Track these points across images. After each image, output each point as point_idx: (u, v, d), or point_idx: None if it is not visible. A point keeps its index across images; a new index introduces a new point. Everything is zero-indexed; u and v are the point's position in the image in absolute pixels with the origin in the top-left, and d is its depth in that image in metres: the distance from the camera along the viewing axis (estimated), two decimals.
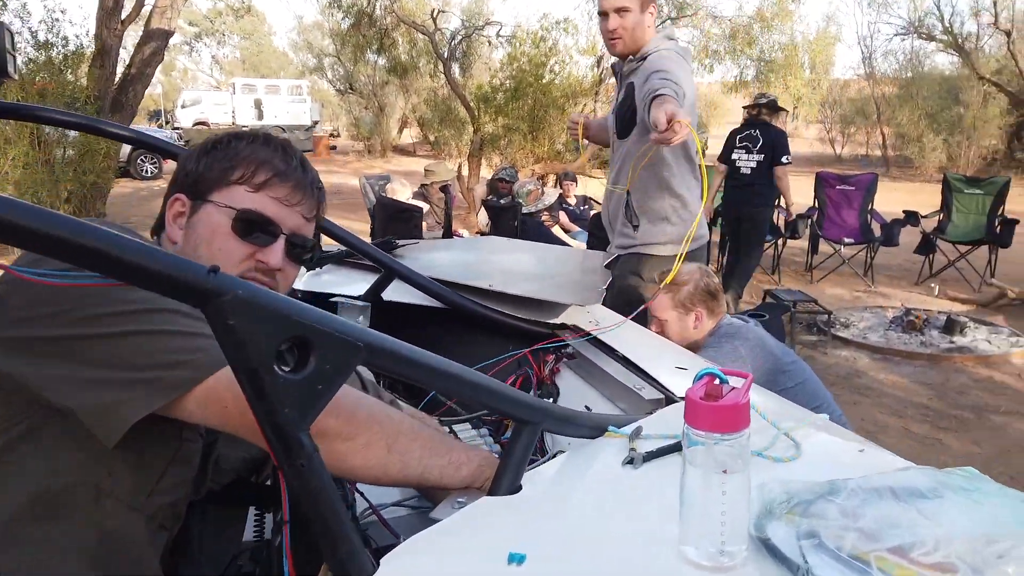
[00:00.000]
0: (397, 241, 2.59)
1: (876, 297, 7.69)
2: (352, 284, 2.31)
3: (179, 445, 1.08)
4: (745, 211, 6.62)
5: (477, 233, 6.94)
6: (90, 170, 8.84)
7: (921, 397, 5.01)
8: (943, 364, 5.64)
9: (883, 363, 5.69)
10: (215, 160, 1.18)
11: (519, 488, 1.07)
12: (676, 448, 1.20)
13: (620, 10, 2.75)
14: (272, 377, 0.77)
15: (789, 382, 2.50)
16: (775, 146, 6.44)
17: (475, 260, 2.48)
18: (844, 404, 4.81)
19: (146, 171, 16.30)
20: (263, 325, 0.76)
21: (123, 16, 9.62)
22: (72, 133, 9.26)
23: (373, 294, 2.20)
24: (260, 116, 29.90)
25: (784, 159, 6.46)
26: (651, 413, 1.54)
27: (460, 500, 1.08)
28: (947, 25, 19.10)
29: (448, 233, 6.62)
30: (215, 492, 1.32)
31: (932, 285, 8.03)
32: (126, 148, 15.68)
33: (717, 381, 0.91)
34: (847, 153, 24.13)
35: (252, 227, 1.16)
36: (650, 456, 1.18)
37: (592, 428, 1.26)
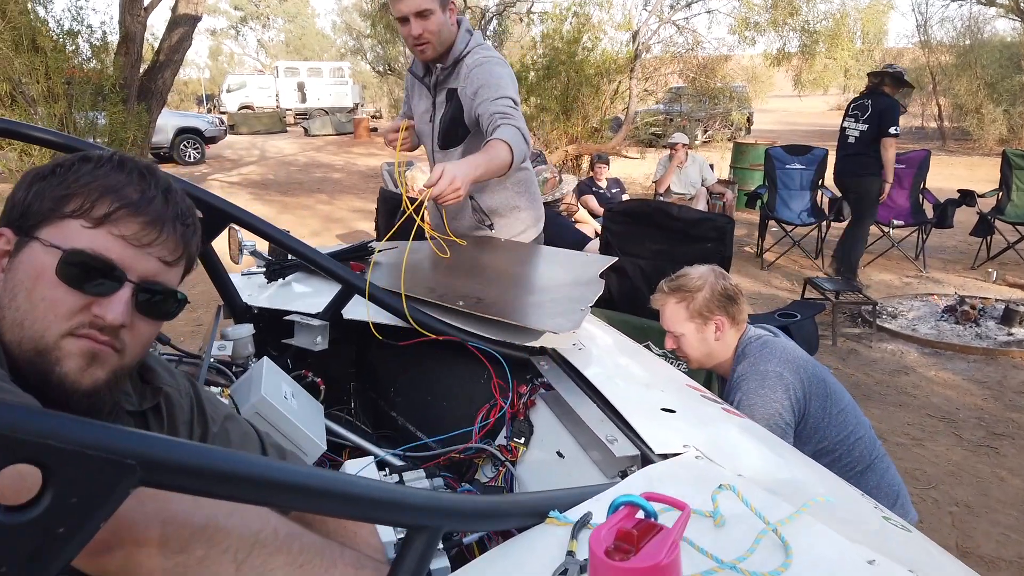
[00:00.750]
0: (372, 245, 2.35)
1: (927, 283, 7.20)
2: (321, 296, 2.07)
3: None
4: (850, 181, 6.59)
5: None
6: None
7: (975, 397, 4.60)
8: (1000, 359, 5.19)
9: (933, 358, 5.26)
10: (49, 187, 0.94)
11: None
12: None
13: (422, 14, 2.43)
14: None
15: (834, 408, 2.17)
16: (882, 116, 6.29)
17: (454, 269, 2.23)
18: (888, 406, 4.44)
19: (189, 156, 16.38)
20: None
21: (146, 3, 9.52)
22: (101, 120, 9.26)
23: (332, 312, 1.96)
24: (303, 99, 29.97)
25: (892, 130, 6.29)
26: (618, 476, 1.27)
27: None
28: None
29: None
30: None
31: (989, 270, 7.49)
32: (170, 134, 15.79)
33: (641, 514, 0.64)
34: (901, 125, 23.03)
35: (85, 273, 0.92)
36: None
37: (523, 516, 1.00)
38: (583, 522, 1.00)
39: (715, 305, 2.26)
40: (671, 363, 3.32)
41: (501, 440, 1.71)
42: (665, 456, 1.26)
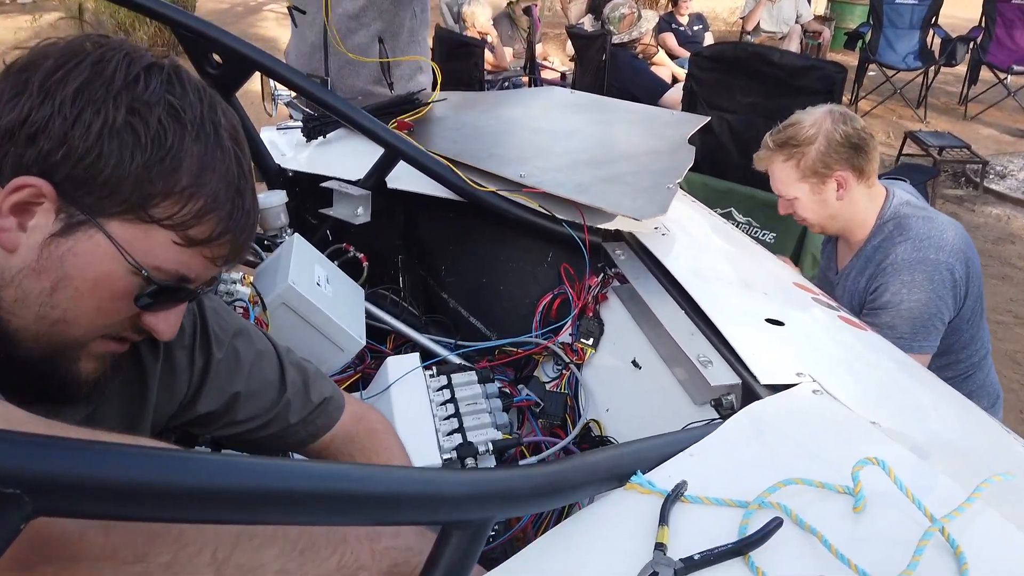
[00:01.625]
0: (420, 96, 2.04)
1: None
2: (366, 159, 1.79)
3: None
4: None
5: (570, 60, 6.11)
6: None
7: None
8: None
9: None
10: (129, 155, 0.64)
11: None
12: (736, 552, 0.70)
13: None
14: None
15: (979, 306, 1.79)
16: None
17: (515, 127, 1.91)
18: (990, 279, 4.03)
19: None
20: None
21: None
22: None
23: (375, 179, 1.69)
24: None
25: None
26: (710, 405, 1.03)
27: None
28: None
29: (531, 66, 5.87)
30: None
31: None
32: None
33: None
34: None
35: (164, 297, 0.70)
36: (689, 568, 0.69)
37: (596, 484, 0.77)
38: (677, 493, 0.77)
39: (834, 158, 1.78)
40: (756, 236, 3.01)
41: (566, 337, 1.48)
42: (774, 388, 1.01)
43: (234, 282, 1.27)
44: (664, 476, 0.82)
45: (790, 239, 2.91)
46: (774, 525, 0.71)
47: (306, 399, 0.96)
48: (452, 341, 1.65)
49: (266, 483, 0.49)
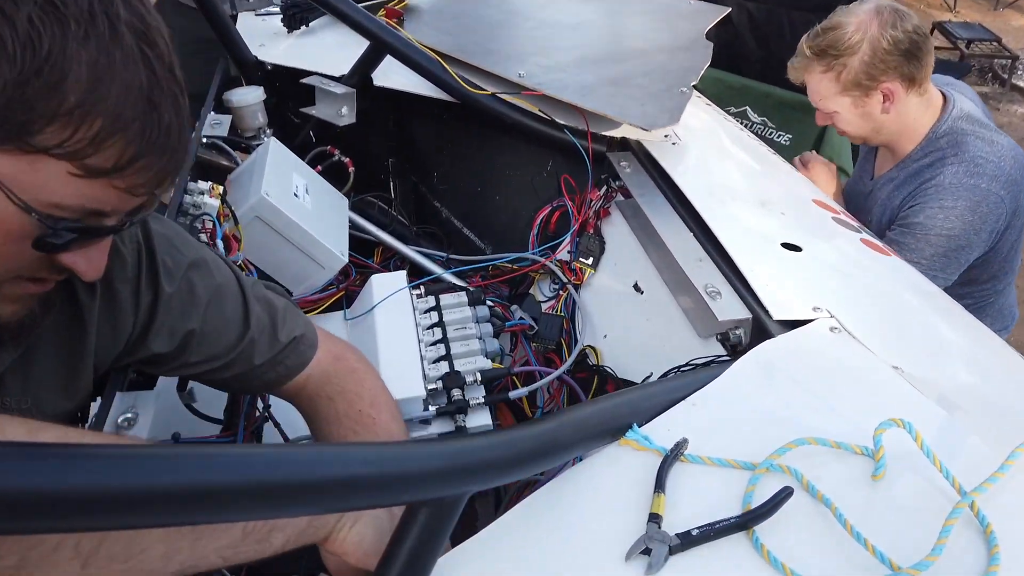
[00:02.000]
0: None
1: None
2: (351, 51, 1.63)
3: None
4: None
5: None
6: None
7: None
8: None
9: None
10: (8, 66, 0.49)
11: None
12: (740, 526, 0.63)
13: None
14: None
15: (1017, 238, 1.61)
16: None
17: (515, 19, 1.73)
18: None
19: None
20: None
21: None
22: None
23: (359, 76, 1.55)
24: None
25: None
26: (723, 357, 0.94)
27: None
28: None
29: None
30: None
31: None
32: None
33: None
34: None
35: (72, 237, 0.57)
36: (686, 544, 0.62)
37: (585, 442, 0.70)
38: (676, 453, 0.70)
39: (881, 68, 1.53)
40: (771, 138, 2.84)
41: (564, 255, 1.38)
42: (787, 324, 0.92)
43: (201, 193, 1.16)
44: (663, 430, 0.74)
45: (807, 142, 2.75)
46: (783, 495, 0.64)
47: (273, 338, 0.86)
48: (444, 255, 1.55)
49: (170, 479, 0.40)
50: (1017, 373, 0.90)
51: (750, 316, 0.95)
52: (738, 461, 0.69)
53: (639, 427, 0.73)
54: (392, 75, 1.57)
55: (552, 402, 1.23)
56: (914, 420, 0.71)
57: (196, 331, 0.80)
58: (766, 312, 0.94)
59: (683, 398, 0.78)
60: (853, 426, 0.74)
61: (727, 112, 2.88)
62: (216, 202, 1.15)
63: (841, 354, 0.87)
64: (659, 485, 0.66)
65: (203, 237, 1.09)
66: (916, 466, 0.68)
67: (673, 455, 0.69)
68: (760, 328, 0.94)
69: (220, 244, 1.07)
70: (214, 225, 1.10)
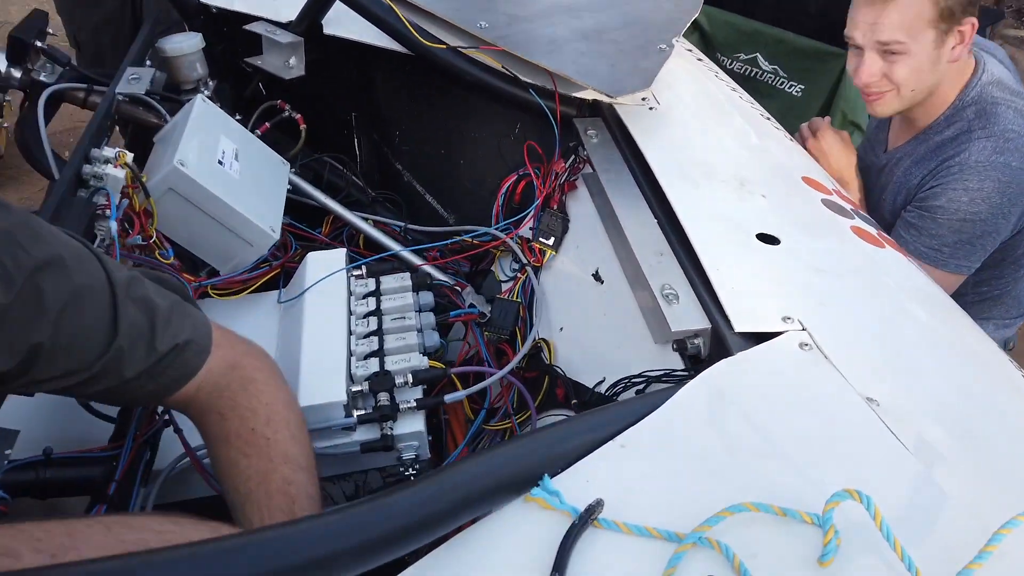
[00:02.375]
0: None
1: None
2: None
3: None
4: None
5: None
6: None
7: None
8: None
9: None
10: None
11: None
12: None
13: None
14: None
15: None
16: None
17: None
18: None
19: None
20: None
21: None
22: None
23: (306, 23, 1.39)
24: None
25: None
26: (672, 347, 0.82)
27: None
28: None
29: None
30: None
31: None
32: None
33: None
34: None
35: None
36: None
37: (490, 497, 0.59)
38: (586, 519, 0.58)
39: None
40: (782, 88, 2.63)
41: (526, 231, 1.24)
42: (752, 337, 0.79)
43: (106, 161, 1.03)
44: (582, 481, 0.62)
45: (820, 93, 2.55)
46: None
47: (150, 346, 0.74)
48: (402, 224, 1.42)
49: None
50: (1021, 409, 0.77)
51: (708, 327, 0.82)
52: (660, 531, 0.58)
53: (552, 478, 0.62)
54: (349, 23, 1.41)
55: (500, 400, 1.12)
56: (881, 479, 0.58)
57: (44, 344, 0.68)
58: (727, 322, 0.81)
59: (610, 437, 0.66)
60: (807, 482, 0.62)
61: (736, 59, 2.69)
62: (121, 173, 1.02)
63: (808, 379, 0.74)
64: (558, 566, 0.54)
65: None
66: (874, 547, 0.55)
67: (582, 521, 0.57)
68: (719, 341, 0.81)
69: (113, 225, 0.94)
70: (108, 200, 0.97)
